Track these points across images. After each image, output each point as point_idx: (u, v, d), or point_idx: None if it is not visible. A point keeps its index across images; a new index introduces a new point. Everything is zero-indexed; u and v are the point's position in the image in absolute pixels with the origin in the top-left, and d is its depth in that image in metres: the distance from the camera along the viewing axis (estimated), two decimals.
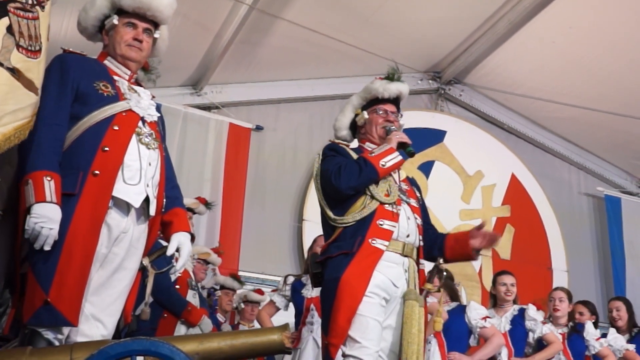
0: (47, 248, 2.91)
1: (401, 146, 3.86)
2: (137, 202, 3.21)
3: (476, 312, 5.97)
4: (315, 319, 5.90)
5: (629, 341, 6.57)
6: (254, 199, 8.94)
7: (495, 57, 9.33)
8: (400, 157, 3.83)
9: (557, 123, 10.47)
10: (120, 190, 3.15)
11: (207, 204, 7.14)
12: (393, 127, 3.95)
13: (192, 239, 3.49)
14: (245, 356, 2.97)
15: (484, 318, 5.95)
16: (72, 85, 3.18)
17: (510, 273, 6.40)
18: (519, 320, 6.08)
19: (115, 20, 3.39)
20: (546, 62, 9.17)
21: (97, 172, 3.08)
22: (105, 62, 3.42)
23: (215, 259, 7.06)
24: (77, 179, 3.06)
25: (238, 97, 9.27)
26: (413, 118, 8.93)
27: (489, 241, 3.87)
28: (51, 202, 2.93)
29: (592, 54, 8.75)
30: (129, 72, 3.43)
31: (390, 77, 4.06)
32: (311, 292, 5.98)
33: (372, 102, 4.04)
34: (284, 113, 9.53)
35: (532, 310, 6.09)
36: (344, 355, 3.46)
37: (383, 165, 3.75)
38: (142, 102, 3.37)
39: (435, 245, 3.96)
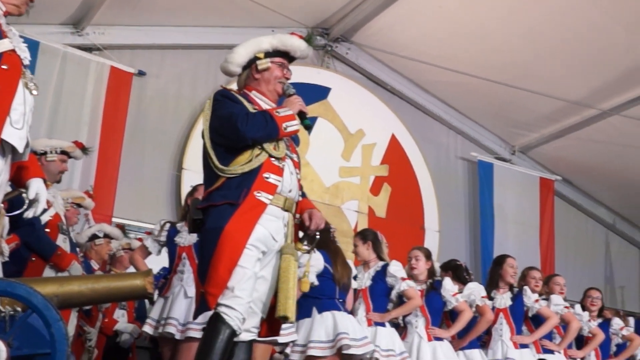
0: None
1: (299, 114, 3.91)
2: (21, 147, 3.15)
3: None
4: (187, 267, 5.87)
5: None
6: (133, 146, 8.74)
7: (383, 18, 9.38)
8: (298, 126, 3.88)
9: (440, 87, 10.68)
10: (8, 133, 3.06)
11: (84, 149, 6.95)
12: (293, 90, 3.99)
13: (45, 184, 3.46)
14: (106, 300, 2.96)
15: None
16: None
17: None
18: (380, 277, 6.23)
19: None
20: (432, 26, 9.31)
21: None
22: None
23: (88, 203, 6.91)
24: None
25: (121, 40, 8.96)
26: (299, 73, 8.73)
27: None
28: None
29: (478, 20, 8.93)
30: (4, 8, 3.27)
31: (308, 40, 4.12)
32: (184, 241, 5.96)
33: (276, 54, 4.05)
34: (169, 59, 9.31)
35: (393, 267, 6.20)
36: (217, 304, 3.50)
37: (285, 129, 3.80)
38: (20, 44, 3.25)
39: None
